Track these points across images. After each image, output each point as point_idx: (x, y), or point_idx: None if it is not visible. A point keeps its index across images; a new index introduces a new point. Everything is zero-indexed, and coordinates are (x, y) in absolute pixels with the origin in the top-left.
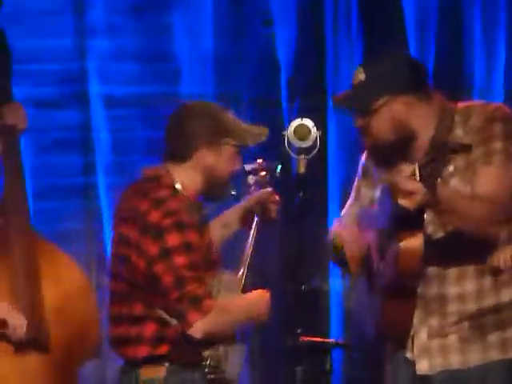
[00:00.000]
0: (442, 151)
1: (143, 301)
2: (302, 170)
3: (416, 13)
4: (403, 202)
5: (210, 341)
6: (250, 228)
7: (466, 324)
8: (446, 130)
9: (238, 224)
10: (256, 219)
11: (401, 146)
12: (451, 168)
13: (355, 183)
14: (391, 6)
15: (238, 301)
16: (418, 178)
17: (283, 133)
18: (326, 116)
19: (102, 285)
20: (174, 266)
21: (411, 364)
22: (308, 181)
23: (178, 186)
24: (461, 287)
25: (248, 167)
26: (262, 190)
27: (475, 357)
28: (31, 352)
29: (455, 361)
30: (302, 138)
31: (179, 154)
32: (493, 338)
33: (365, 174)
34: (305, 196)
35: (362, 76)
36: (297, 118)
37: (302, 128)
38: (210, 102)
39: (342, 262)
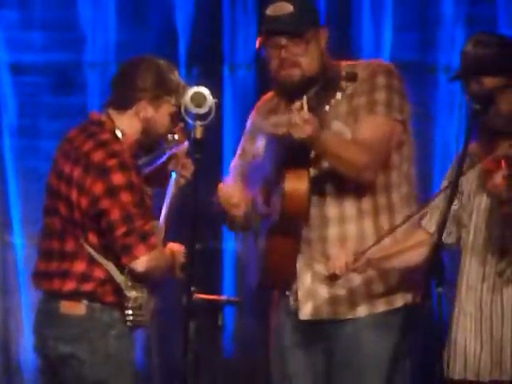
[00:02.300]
0: (328, 82)
1: (76, 238)
2: (198, 135)
3: None
4: (296, 133)
5: (146, 278)
6: (168, 184)
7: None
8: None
9: (156, 182)
10: (174, 176)
11: (320, 77)
12: (338, 96)
13: (241, 141)
14: None
15: (168, 248)
16: (306, 110)
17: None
18: (222, 84)
19: (6, 241)
20: (121, 203)
21: (294, 312)
22: (204, 145)
23: (117, 132)
24: (341, 228)
25: None
26: (178, 147)
27: (362, 307)
28: None
29: (342, 311)
30: (199, 105)
31: (122, 102)
32: (379, 289)
33: (250, 131)
34: (200, 159)
35: (289, 7)
36: (194, 85)
37: (198, 95)
38: (160, 59)
39: (227, 218)
